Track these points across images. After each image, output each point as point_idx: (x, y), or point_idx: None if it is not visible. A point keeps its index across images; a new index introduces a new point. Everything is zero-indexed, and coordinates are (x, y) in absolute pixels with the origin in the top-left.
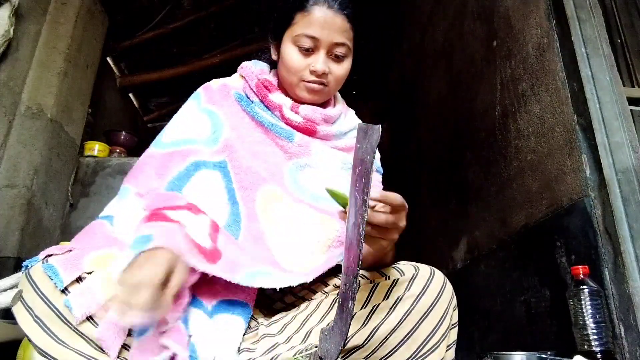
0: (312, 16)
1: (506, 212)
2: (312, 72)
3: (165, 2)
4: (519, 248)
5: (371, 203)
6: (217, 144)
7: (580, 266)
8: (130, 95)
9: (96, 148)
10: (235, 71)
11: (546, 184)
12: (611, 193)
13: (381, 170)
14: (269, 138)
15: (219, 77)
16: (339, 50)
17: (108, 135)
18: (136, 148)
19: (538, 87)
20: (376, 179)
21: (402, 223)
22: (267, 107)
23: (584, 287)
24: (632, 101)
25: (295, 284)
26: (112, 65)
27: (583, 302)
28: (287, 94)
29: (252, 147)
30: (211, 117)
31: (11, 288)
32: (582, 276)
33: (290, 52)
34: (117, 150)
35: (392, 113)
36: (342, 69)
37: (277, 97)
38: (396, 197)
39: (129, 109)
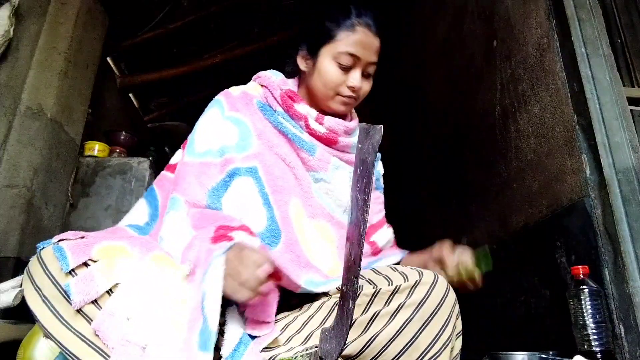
0: (356, 36)
1: (506, 212)
2: (350, 88)
3: (165, 2)
4: (519, 248)
5: None
6: (247, 150)
7: (580, 266)
8: (130, 95)
9: (96, 148)
10: (235, 71)
11: (546, 184)
12: (611, 193)
13: (381, 187)
14: (292, 148)
15: (219, 77)
16: (371, 69)
17: (108, 135)
18: (136, 148)
19: (538, 87)
20: (374, 197)
21: None
22: (291, 117)
23: (584, 287)
24: (632, 101)
25: (330, 289)
26: (112, 65)
27: (583, 302)
28: (311, 104)
29: (279, 155)
30: (237, 124)
31: (12, 289)
32: (582, 276)
33: (329, 67)
34: (117, 150)
35: (392, 113)
36: (369, 85)
37: (302, 108)
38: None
39: (129, 109)
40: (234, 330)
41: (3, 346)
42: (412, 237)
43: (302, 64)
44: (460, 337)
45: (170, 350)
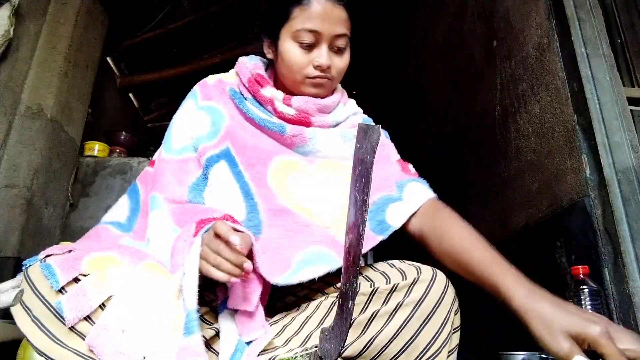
0: (312, 9)
1: (506, 212)
2: (317, 67)
3: (165, 2)
4: (519, 248)
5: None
6: (219, 132)
7: (580, 266)
8: (130, 95)
9: (96, 148)
10: None
11: (546, 184)
12: (611, 193)
13: (387, 133)
14: (264, 134)
15: None
16: (340, 42)
17: (108, 135)
18: (136, 148)
19: (538, 87)
20: (385, 140)
21: None
22: (259, 102)
23: (584, 287)
24: (632, 101)
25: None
26: (112, 65)
27: (583, 302)
28: (281, 88)
29: (251, 143)
30: (210, 113)
31: (12, 289)
32: (582, 276)
33: (290, 49)
34: (117, 150)
35: (392, 113)
36: (343, 61)
37: (267, 92)
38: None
39: (129, 109)
40: (230, 337)
41: (3, 346)
42: None
43: (268, 52)
44: (458, 332)
45: (168, 357)
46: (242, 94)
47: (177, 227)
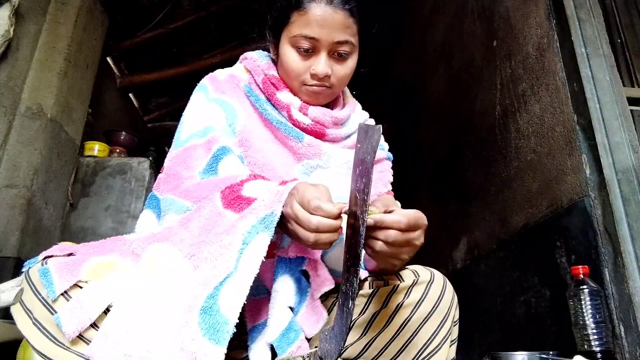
0: (310, 14)
1: (506, 212)
2: (313, 76)
3: (165, 2)
4: (519, 248)
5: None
6: (235, 136)
7: (580, 266)
8: (130, 95)
9: (96, 148)
10: None
11: (546, 184)
12: (611, 193)
13: (391, 157)
14: (277, 138)
15: None
16: (342, 49)
17: (108, 135)
18: (136, 148)
19: (538, 87)
20: (387, 165)
21: (419, 241)
22: (274, 105)
23: (584, 287)
24: (632, 101)
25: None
26: (112, 65)
27: (583, 302)
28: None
29: (264, 145)
30: (223, 106)
31: (12, 289)
32: (582, 276)
33: (288, 54)
34: (117, 150)
35: (392, 113)
36: (345, 69)
37: (285, 96)
38: (412, 217)
39: (129, 109)
40: (281, 312)
41: (3, 346)
42: None
43: (272, 51)
44: (457, 325)
45: (171, 350)
46: (257, 93)
47: (194, 206)
